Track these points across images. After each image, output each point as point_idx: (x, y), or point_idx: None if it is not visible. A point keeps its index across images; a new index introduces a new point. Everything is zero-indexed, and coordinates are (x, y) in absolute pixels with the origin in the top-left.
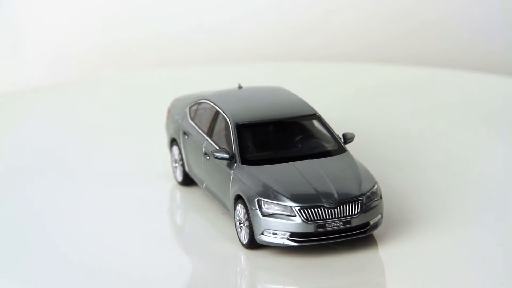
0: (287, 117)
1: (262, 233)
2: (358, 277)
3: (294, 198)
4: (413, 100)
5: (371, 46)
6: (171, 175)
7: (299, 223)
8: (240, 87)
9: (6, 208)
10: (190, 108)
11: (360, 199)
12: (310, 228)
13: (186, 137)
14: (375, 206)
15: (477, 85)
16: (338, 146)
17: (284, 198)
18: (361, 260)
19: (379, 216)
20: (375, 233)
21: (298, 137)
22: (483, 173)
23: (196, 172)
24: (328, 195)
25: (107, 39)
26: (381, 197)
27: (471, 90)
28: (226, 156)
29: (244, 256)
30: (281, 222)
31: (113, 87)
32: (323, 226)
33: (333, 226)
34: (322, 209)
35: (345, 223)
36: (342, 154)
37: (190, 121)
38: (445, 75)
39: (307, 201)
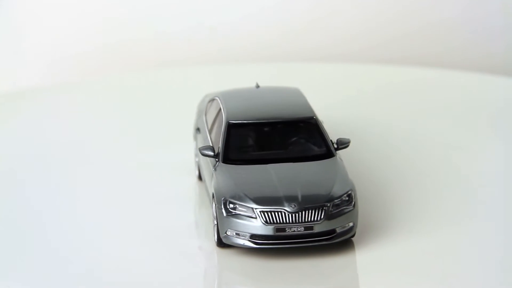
0: (282, 119)
1: (226, 232)
2: (328, 282)
3: (256, 200)
4: (414, 101)
5: (372, 47)
6: (189, 171)
7: (259, 225)
8: (257, 86)
9: (6, 208)
10: (207, 104)
11: (324, 206)
12: (269, 231)
13: (199, 132)
14: (344, 214)
15: (480, 86)
16: (327, 151)
17: (248, 199)
18: (334, 265)
19: (351, 224)
20: (355, 237)
21: (290, 140)
22: (483, 174)
23: (201, 168)
24: (292, 199)
25: (108, 39)
26: (354, 205)
27: (472, 91)
28: (211, 153)
29: (216, 255)
30: (243, 223)
31: (113, 87)
32: (283, 230)
33: (294, 231)
34: (283, 213)
35: (307, 229)
36: (328, 159)
37: (203, 117)
38: (445, 76)
39: (268, 203)
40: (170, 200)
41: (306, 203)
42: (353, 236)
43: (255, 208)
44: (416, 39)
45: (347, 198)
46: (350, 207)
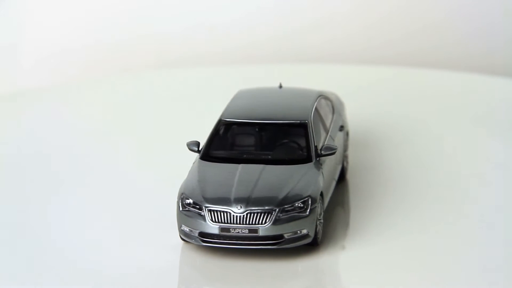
0: (273, 122)
1: (181, 227)
2: (285, 284)
3: (207, 199)
4: (415, 102)
5: (371, 48)
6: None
7: (206, 223)
8: (280, 86)
9: (3, 207)
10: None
11: (272, 210)
12: (214, 230)
13: None
14: (295, 220)
15: (491, 88)
16: (306, 156)
17: (200, 197)
18: (295, 269)
19: (304, 231)
20: (324, 239)
21: (276, 142)
22: (483, 175)
23: None
24: (240, 201)
25: (107, 40)
26: (310, 213)
27: (476, 92)
28: (195, 148)
29: (181, 249)
30: (194, 219)
31: (112, 88)
32: (228, 230)
33: (238, 232)
34: (229, 214)
35: (251, 232)
36: (304, 164)
37: None
38: (447, 77)
39: (217, 203)
40: (166, 196)
41: (253, 205)
42: (314, 244)
43: (205, 206)
44: (420, 40)
45: (301, 205)
46: (304, 214)
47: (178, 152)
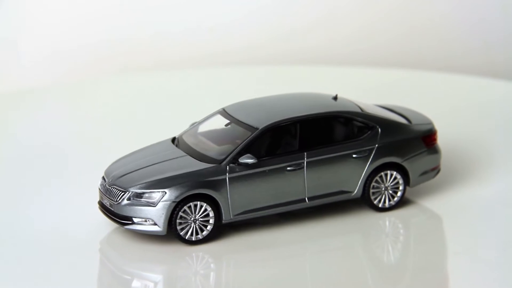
0: (240, 122)
1: None
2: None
3: (107, 170)
4: (417, 103)
5: (370, 49)
6: None
7: (98, 191)
8: (335, 97)
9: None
10: None
11: (125, 191)
12: (99, 198)
13: None
14: (145, 208)
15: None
16: (223, 158)
17: (107, 168)
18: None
19: (151, 221)
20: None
21: (224, 140)
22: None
23: None
24: (115, 177)
25: (106, 40)
26: (158, 206)
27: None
28: None
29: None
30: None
31: (111, 88)
32: (102, 199)
33: (106, 203)
34: (103, 186)
35: (111, 206)
36: (209, 164)
37: None
38: (449, 79)
39: (106, 174)
40: None
41: (118, 183)
42: (181, 239)
43: (103, 174)
44: (422, 41)
45: (154, 196)
46: (152, 205)
47: None
